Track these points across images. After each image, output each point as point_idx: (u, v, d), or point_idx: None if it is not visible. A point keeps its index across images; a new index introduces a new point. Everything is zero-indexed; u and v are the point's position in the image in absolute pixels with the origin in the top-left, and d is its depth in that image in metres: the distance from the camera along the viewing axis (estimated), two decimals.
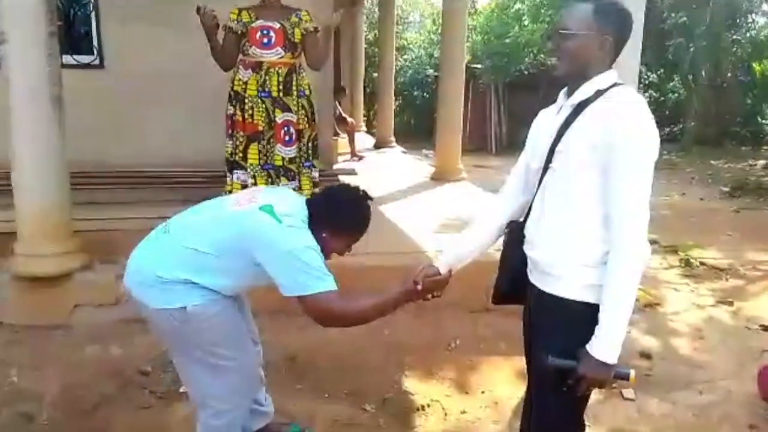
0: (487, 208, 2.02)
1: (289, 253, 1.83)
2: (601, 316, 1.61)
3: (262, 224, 1.85)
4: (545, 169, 1.73)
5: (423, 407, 2.91)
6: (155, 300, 1.91)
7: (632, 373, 1.67)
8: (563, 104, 1.73)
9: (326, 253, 2.00)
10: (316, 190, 3.87)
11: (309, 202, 2.03)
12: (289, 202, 1.98)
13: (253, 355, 2.19)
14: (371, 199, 2.09)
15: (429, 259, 3.99)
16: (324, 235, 1.96)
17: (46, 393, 2.87)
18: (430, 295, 1.96)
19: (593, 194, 1.62)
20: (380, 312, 1.95)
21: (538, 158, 1.77)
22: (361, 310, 1.93)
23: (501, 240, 1.98)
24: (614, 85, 1.67)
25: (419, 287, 1.91)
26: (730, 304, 4.40)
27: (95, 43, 4.94)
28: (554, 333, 1.72)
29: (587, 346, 1.62)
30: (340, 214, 2.00)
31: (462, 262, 1.99)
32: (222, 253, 1.88)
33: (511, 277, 1.90)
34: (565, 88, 1.74)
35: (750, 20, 13.94)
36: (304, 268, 1.83)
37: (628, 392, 3.04)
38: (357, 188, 2.11)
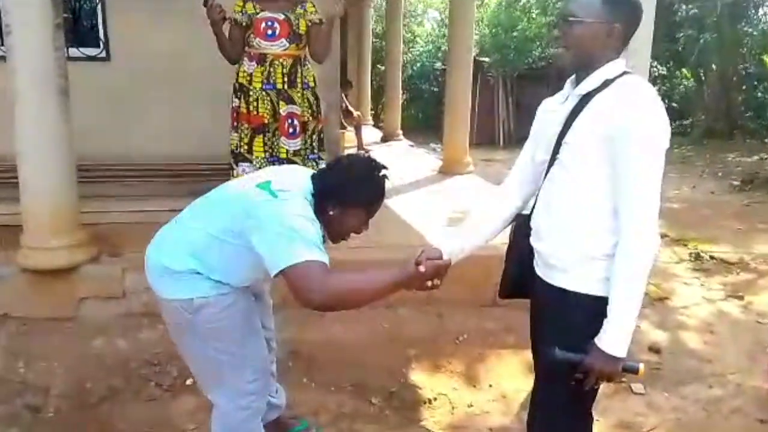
0: (490, 200, 1.98)
1: (275, 218, 1.68)
2: (610, 308, 1.58)
3: (255, 199, 1.74)
4: (552, 160, 1.70)
5: (430, 400, 2.90)
6: (166, 290, 1.87)
7: (641, 366, 1.64)
8: (570, 94, 1.69)
9: (340, 232, 1.88)
10: None
11: (315, 177, 1.88)
12: (291, 178, 1.85)
13: (262, 351, 2.09)
14: (385, 167, 1.89)
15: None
16: (332, 212, 1.81)
17: (53, 385, 2.88)
18: (429, 283, 1.78)
19: (601, 186, 1.59)
20: (377, 291, 1.74)
21: (543, 149, 1.74)
22: (350, 288, 1.70)
23: (508, 233, 1.95)
24: (623, 74, 1.63)
25: (421, 269, 1.72)
26: (741, 298, 4.35)
27: (101, 35, 4.94)
28: (561, 326, 1.70)
29: (595, 339, 1.60)
30: (350, 185, 1.82)
31: (462, 252, 1.90)
32: (223, 235, 1.80)
33: (518, 270, 1.87)
34: (572, 77, 1.70)
35: (761, 12, 13.79)
36: (290, 235, 1.64)
37: (638, 386, 3.02)
38: (368, 157, 1.95)
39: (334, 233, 1.86)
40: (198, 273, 1.82)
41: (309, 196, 1.79)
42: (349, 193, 1.82)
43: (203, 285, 1.83)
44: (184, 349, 2.03)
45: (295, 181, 1.82)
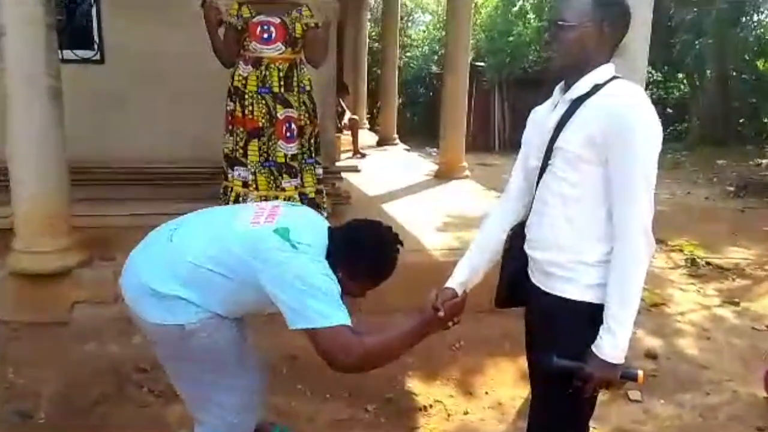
0: (491, 214, 1.94)
1: (303, 280, 1.63)
2: (606, 314, 1.56)
3: (272, 247, 1.67)
4: (543, 167, 1.68)
5: (426, 408, 2.88)
6: (151, 314, 1.77)
7: (640, 373, 1.62)
8: (560, 100, 1.68)
9: (343, 293, 1.79)
10: (320, 187, 3.83)
11: (331, 234, 1.83)
12: (309, 229, 1.78)
13: (253, 374, 2.03)
14: (401, 244, 1.88)
15: (431, 257, 3.95)
16: (339, 274, 1.74)
17: (44, 391, 2.84)
18: (450, 323, 1.79)
19: (595, 191, 1.58)
20: (401, 349, 1.77)
21: (535, 156, 1.72)
22: (379, 349, 1.72)
23: None
24: (612, 78, 1.62)
25: (441, 314, 1.73)
26: (737, 304, 4.35)
27: (96, 38, 4.91)
28: (558, 334, 1.67)
29: (593, 347, 1.58)
30: (361, 256, 1.79)
31: (477, 277, 1.88)
32: (224, 271, 1.72)
33: (513, 278, 1.83)
34: (561, 83, 1.68)
35: (756, 18, 13.85)
36: (319, 297, 1.62)
37: (634, 393, 3.00)
38: (388, 229, 1.89)
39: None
40: (187, 301, 1.74)
41: (324, 251, 1.75)
42: (358, 266, 1.80)
43: (192, 311, 1.75)
44: (173, 371, 1.97)
45: (314, 234, 1.77)
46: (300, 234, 1.71)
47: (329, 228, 1.86)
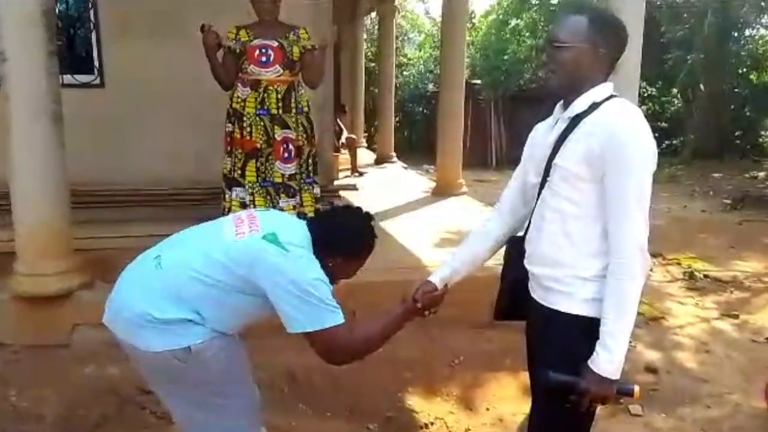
0: (483, 222, 1.99)
1: (298, 286, 1.71)
2: (602, 330, 1.58)
3: (267, 255, 1.73)
4: (542, 183, 1.72)
5: (427, 425, 2.87)
6: (151, 343, 1.74)
7: (636, 389, 1.64)
8: (559, 117, 1.71)
9: (337, 277, 1.93)
10: (319, 206, 3.86)
11: (311, 227, 1.90)
12: (292, 229, 1.85)
13: (254, 392, 2.03)
14: (373, 218, 2.01)
15: (429, 273, 3.96)
16: (330, 263, 1.85)
17: (46, 413, 2.84)
18: (427, 312, 1.92)
19: (591, 207, 1.61)
20: (386, 337, 1.88)
21: (535, 172, 1.76)
22: (369, 340, 1.85)
23: (502, 254, 1.96)
24: (610, 97, 1.65)
25: (419, 305, 1.87)
26: (735, 316, 4.36)
27: (96, 62, 4.97)
28: (556, 348, 1.70)
29: (589, 362, 1.60)
30: (346, 239, 1.90)
31: (458, 276, 1.95)
32: (222, 285, 1.74)
33: (512, 292, 1.87)
34: (561, 102, 1.72)
35: (748, 33, 14.01)
36: (315, 302, 1.71)
37: (635, 408, 3.00)
38: (358, 209, 2.02)
39: (331, 279, 1.87)
40: (190, 321, 1.75)
41: (311, 246, 1.84)
42: (348, 248, 1.92)
43: (196, 331, 1.75)
44: (171, 398, 1.94)
45: (298, 233, 1.85)
46: (287, 235, 1.79)
47: (306, 223, 1.95)
